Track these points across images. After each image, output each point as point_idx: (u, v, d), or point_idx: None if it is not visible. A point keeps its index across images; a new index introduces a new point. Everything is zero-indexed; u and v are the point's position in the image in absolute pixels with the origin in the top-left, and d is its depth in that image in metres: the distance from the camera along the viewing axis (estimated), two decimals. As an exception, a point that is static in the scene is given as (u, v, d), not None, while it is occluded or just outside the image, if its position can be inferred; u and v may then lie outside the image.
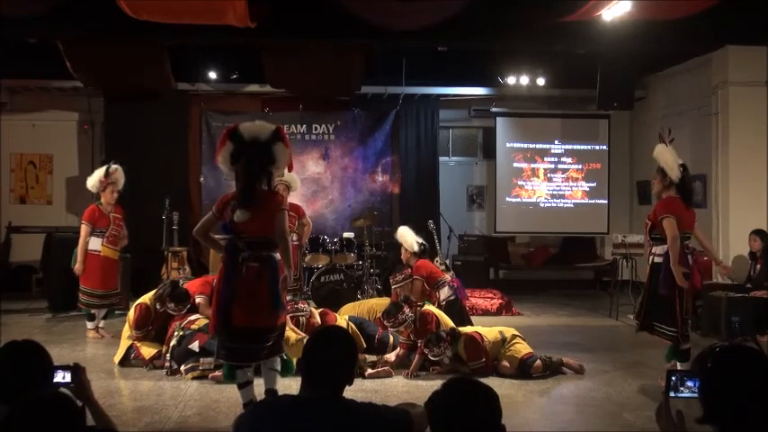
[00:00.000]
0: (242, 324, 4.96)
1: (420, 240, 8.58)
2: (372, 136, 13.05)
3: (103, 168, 8.85)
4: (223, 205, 5.13)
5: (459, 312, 8.01)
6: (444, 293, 8.17)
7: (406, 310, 7.01)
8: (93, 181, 8.78)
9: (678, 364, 6.51)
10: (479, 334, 6.94)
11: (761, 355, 2.40)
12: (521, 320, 10.03)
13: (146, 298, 7.38)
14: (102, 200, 8.74)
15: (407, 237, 8.53)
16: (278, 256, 5.11)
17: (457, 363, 6.88)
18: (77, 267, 8.56)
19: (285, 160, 5.21)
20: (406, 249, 8.53)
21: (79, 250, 8.59)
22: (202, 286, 7.90)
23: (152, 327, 7.31)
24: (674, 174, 6.48)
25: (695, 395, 2.49)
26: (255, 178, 5.09)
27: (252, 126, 5.17)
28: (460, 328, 7.11)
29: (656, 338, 8.54)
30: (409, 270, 8.50)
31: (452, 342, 6.82)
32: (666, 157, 6.56)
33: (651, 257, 6.55)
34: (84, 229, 8.59)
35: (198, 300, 7.68)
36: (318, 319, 7.36)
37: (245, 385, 5.18)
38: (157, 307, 7.28)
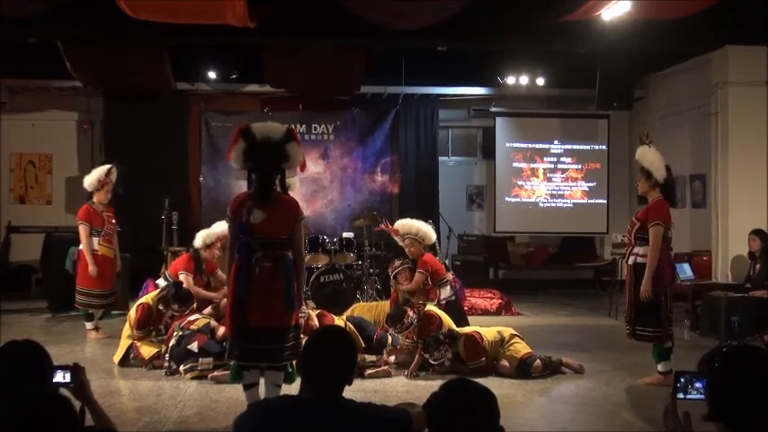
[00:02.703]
0: (257, 325, 4.93)
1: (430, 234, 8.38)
2: (372, 136, 13.05)
3: (105, 168, 8.83)
4: (237, 206, 5.07)
5: (458, 313, 7.96)
6: (445, 293, 8.03)
7: (410, 312, 6.99)
8: (91, 179, 8.75)
9: (659, 364, 6.53)
10: (478, 333, 6.94)
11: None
12: (520, 320, 10.03)
13: (148, 298, 7.39)
14: (96, 199, 8.71)
15: (428, 229, 8.31)
16: (290, 254, 5.09)
17: (456, 362, 6.88)
18: (91, 269, 8.52)
19: (298, 159, 5.20)
20: (419, 241, 8.19)
21: (85, 250, 8.56)
22: (186, 263, 8.03)
23: (153, 327, 7.33)
24: (660, 174, 6.52)
25: (702, 396, 2.50)
26: (269, 177, 5.07)
27: (263, 126, 5.15)
28: (459, 329, 7.11)
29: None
30: (408, 261, 8.37)
31: (451, 343, 6.82)
32: (651, 157, 6.59)
33: (634, 257, 6.53)
34: (83, 228, 8.57)
35: (181, 276, 7.84)
36: (316, 322, 7.34)
37: (251, 386, 5.17)
38: (161, 308, 7.29)
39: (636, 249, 6.51)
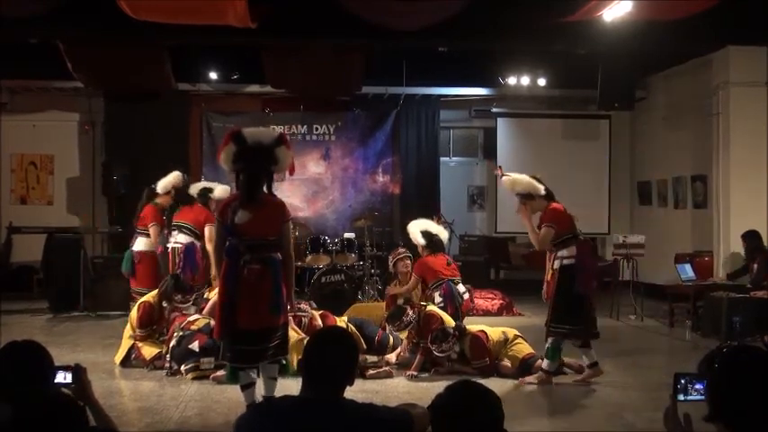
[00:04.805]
0: (246, 327, 4.98)
1: (430, 230, 8.24)
2: (373, 136, 13.05)
3: (179, 174, 8.81)
4: (224, 207, 5.14)
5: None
6: (437, 298, 7.79)
7: (410, 312, 7.00)
8: (166, 183, 8.71)
9: (546, 361, 6.55)
10: (484, 333, 6.99)
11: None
12: (521, 321, 10.01)
13: (149, 297, 7.40)
14: (160, 200, 8.70)
15: (413, 232, 8.27)
16: (279, 256, 5.13)
17: (460, 361, 6.90)
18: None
19: (287, 162, 5.27)
20: (415, 244, 8.27)
21: (159, 252, 8.53)
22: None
23: (156, 326, 7.33)
24: (539, 187, 6.66)
25: (703, 398, 2.50)
26: (257, 178, 5.13)
27: (255, 131, 5.25)
28: (468, 327, 7.12)
29: (655, 339, 8.59)
30: (400, 249, 8.56)
31: (460, 338, 6.85)
32: (519, 181, 6.76)
33: (559, 261, 6.52)
34: (156, 230, 8.53)
35: (208, 230, 7.98)
36: (320, 322, 7.36)
37: (248, 386, 5.20)
38: (164, 304, 7.31)
39: (559, 253, 6.52)
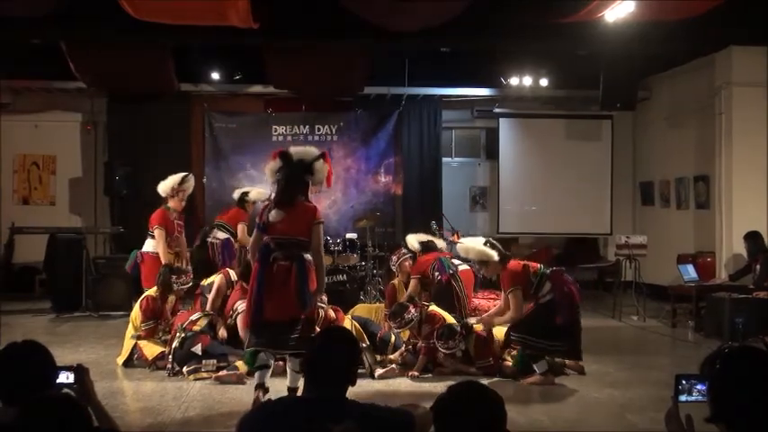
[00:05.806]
0: (271, 317, 5.39)
1: (424, 239, 8.44)
2: (375, 137, 13.05)
3: (179, 176, 8.68)
4: (263, 210, 5.62)
5: (444, 293, 7.81)
6: (436, 275, 7.93)
7: (412, 309, 7.04)
8: (164, 186, 8.66)
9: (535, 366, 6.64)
10: (490, 333, 6.99)
11: None
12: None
13: (151, 291, 7.48)
14: (171, 204, 8.62)
15: (410, 240, 8.50)
16: (308, 256, 5.48)
17: (463, 360, 6.91)
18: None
19: (323, 174, 5.70)
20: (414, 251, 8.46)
21: (162, 254, 8.50)
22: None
23: (160, 319, 7.38)
24: (494, 254, 6.80)
25: (704, 399, 2.50)
26: (293, 184, 5.54)
27: (301, 149, 5.76)
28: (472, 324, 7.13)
29: (657, 339, 8.59)
30: (404, 249, 8.70)
31: (466, 335, 6.88)
32: (473, 248, 6.94)
33: (539, 301, 6.67)
34: (160, 232, 8.48)
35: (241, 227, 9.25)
36: (334, 315, 7.40)
37: (262, 368, 5.56)
38: (166, 293, 7.42)
39: (540, 294, 6.66)
